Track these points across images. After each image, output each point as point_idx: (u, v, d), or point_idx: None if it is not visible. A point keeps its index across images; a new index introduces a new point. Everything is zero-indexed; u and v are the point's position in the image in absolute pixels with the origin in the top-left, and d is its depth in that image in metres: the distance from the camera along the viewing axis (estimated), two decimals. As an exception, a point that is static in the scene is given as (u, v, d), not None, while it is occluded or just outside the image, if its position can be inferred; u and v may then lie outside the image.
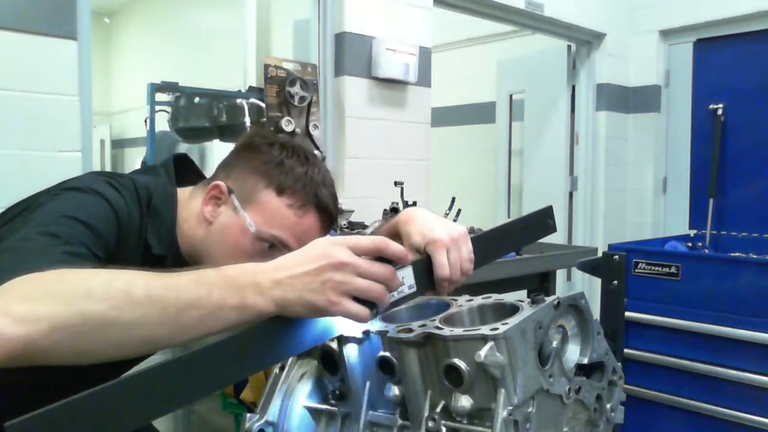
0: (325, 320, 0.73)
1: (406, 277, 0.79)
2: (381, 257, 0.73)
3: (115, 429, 0.55)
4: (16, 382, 0.76)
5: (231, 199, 0.99)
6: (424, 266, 0.85)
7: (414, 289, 0.80)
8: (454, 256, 0.87)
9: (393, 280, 0.73)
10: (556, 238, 3.76)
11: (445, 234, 0.88)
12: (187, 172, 1.11)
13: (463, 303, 0.85)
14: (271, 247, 0.98)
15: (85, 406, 0.54)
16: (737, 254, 2.40)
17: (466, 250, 0.90)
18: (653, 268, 1.92)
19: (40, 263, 0.67)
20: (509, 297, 0.84)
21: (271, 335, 0.68)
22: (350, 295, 0.69)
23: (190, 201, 1.04)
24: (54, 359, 0.61)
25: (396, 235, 0.96)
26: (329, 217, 1.02)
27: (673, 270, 1.89)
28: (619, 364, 0.90)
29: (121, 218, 0.90)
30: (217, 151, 3.62)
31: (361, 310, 0.69)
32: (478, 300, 0.85)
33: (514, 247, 1.02)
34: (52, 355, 0.60)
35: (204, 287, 0.65)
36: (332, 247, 0.70)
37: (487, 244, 0.95)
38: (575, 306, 0.82)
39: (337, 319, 0.73)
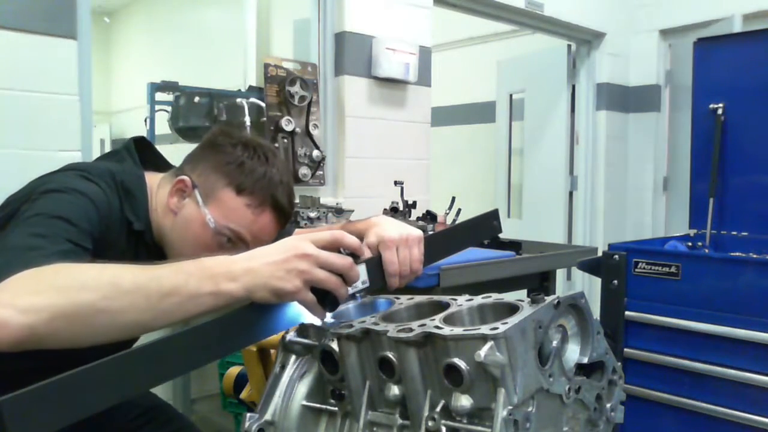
0: (292, 309, 0.83)
1: (360, 273, 0.89)
2: (339, 249, 0.84)
3: (99, 403, 0.64)
4: (20, 369, 0.82)
5: (194, 194, 1.06)
6: (376, 263, 0.95)
7: (367, 284, 0.91)
8: (403, 254, 0.97)
9: (351, 270, 0.82)
10: (556, 237, 3.78)
11: (397, 234, 0.99)
12: (146, 153, 1.18)
13: (463, 302, 0.85)
14: (230, 241, 1.06)
15: (73, 383, 0.62)
16: (737, 254, 2.40)
17: (417, 251, 1.00)
18: (653, 267, 1.92)
19: (34, 260, 0.74)
20: (509, 296, 0.84)
21: (245, 321, 0.79)
22: (310, 285, 0.79)
23: (159, 190, 1.11)
24: (53, 344, 0.69)
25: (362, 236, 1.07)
26: (284, 215, 1.11)
27: (673, 270, 1.89)
28: (619, 363, 0.90)
29: (101, 208, 0.96)
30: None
31: (315, 302, 0.80)
32: (478, 299, 0.85)
33: (463, 246, 1.18)
34: (52, 341, 0.68)
35: (182, 276, 0.74)
36: (298, 241, 0.80)
37: (438, 244, 1.07)
38: (575, 305, 0.82)
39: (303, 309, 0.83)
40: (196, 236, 1.05)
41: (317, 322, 0.88)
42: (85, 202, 0.94)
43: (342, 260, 0.81)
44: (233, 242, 1.06)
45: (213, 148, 1.10)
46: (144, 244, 1.09)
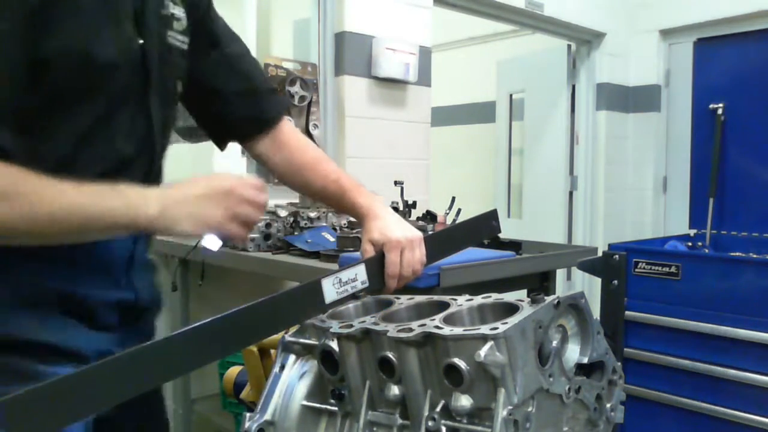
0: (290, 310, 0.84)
1: (359, 273, 0.90)
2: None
3: (96, 405, 0.65)
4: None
5: None
6: (377, 263, 0.96)
7: (367, 284, 0.91)
8: (407, 257, 0.97)
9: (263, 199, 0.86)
10: (556, 237, 3.78)
11: (402, 235, 0.98)
12: None
13: (463, 302, 0.85)
14: None
15: (73, 383, 0.63)
16: (737, 254, 2.40)
17: (419, 252, 1.00)
18: (653, 267, 1.92)
19: None
20: (509, 296, 0.84)
21: (246, 320, 0.79)
22: (237, 220, 0.83)
23: None
24: None
25: (359, 217, 1.06)
26: None
27: (673, 270, 1.89)
28: (619, 363, 0.90)
29: None
30: (218, 150, 3.61)
31: (242, 232, 0.84)
32: (478, 299, 0.85)
33: (462, 246, 1.18)
34: None
35: (102, 205, 0.75)
36: (222, 178, 0.83)
37: (437, 244, 1.06)
38: (575, 305, 0.81)
39: None
40: None
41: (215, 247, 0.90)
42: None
43: (263, 196, 0.86)
44: None
45: None
46: None
